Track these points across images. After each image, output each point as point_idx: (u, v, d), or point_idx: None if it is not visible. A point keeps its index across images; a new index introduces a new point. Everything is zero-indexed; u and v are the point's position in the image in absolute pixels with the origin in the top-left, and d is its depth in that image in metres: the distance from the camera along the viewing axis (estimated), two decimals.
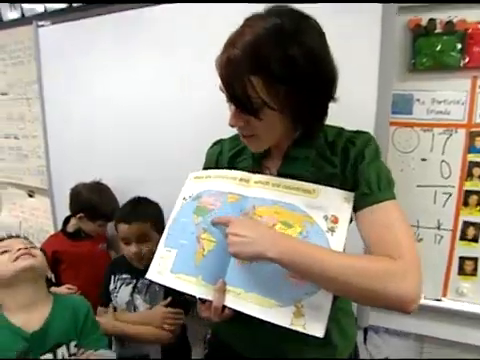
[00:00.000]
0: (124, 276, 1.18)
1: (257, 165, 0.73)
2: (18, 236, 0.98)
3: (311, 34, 0.58)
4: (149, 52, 1.34)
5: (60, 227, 1.52)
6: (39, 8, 1.64)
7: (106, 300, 1.17)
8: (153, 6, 1.30)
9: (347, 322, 0.76)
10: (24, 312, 0.86)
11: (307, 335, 0.57)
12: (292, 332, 0.58)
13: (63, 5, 1.55)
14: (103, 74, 1.46)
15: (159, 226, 1.13)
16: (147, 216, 1.14)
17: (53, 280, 1.40)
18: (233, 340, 0.77)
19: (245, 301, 0.62)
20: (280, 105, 0.59)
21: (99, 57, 1.46)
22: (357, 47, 0.99)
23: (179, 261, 0.70)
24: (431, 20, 1.02)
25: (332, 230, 0.61)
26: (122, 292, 1.16)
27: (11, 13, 1.75)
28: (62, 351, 0.87)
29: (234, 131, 0.70)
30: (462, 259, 1.10)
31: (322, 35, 0.60)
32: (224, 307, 0.64)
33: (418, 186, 1.11)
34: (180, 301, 1.08)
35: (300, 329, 0.58)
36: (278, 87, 0.57)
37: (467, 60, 1.01)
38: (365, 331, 1.26)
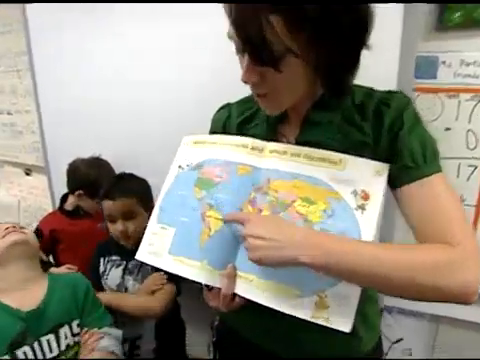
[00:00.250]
0: (114, 258, 1.13)
1: (272, 132, 0.63)
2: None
3: None
4: (142, 18, 1.23)
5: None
6: None
7: (97, 284, 1.10)
8: None
9: (373, 311, 0.67)
10: (18, 292, 0.84)
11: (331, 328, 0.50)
12: (309, 321, 0.51)
13: None
14: (95, 44, 1.35)
15: (146, 203, 1.09)
16: (132, 192, 1.09)
17: (52, 261, 1.36)
18: (242, 328, 0.70)
19: (258, 289, 0.55)
20: (305, 52, 0.48)
21: (90, 27, 1.35)
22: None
23: (179, 241, 0.62)
24: None
25: (362, 208, 0.52)
26: (112, 274, 1.11)
27: None
28: (64, 331, 0.86)
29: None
30: None
31: None
32: (234, 295, 0.56)
33: (440, 158, 1.02)
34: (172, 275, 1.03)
35: (323, 322, 0.50)
36: (303, 29, 0.46)
37: None
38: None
